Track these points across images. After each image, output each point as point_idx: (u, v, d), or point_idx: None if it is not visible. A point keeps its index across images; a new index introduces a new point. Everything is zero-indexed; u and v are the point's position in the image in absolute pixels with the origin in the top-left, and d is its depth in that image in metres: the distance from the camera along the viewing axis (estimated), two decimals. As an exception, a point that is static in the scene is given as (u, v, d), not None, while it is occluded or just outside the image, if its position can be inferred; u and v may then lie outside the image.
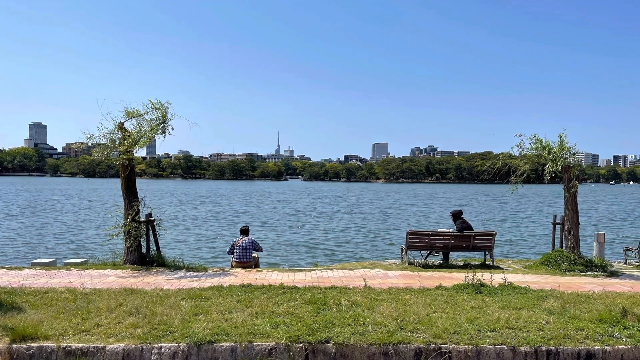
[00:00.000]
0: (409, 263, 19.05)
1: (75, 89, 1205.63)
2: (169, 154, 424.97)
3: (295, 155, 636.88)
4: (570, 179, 17.95)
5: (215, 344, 9.10)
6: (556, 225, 19.50)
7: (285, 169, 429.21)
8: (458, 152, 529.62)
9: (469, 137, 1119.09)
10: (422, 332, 9.82)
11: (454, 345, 9.36)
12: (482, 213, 70.89)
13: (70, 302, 11.57)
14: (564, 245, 18.75)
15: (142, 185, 18.71)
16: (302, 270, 17.05)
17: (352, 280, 15.07)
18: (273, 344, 9.14)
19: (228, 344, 9.13)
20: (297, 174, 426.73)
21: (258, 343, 9.14)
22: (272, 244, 36.57)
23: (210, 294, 12.36)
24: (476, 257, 21.54)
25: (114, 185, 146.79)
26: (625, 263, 20.19)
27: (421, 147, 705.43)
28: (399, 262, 19.60)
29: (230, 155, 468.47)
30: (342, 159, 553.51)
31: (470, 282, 13.76)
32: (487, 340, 9.55)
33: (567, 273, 17.10)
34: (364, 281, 14.34)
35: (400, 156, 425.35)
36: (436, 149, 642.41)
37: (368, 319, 10.31)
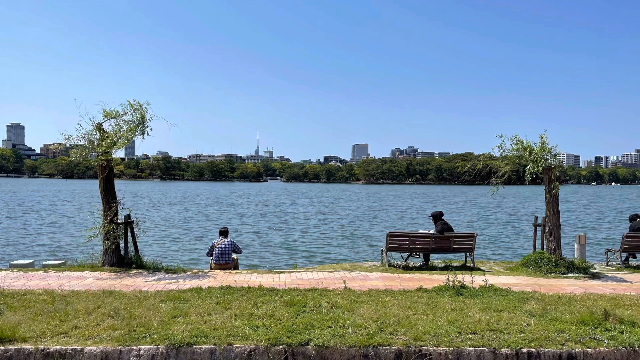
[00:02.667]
0: (389, 265, 19.01)
1: (54, 90, 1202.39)
2: (147, 155, 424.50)
3: (275, 156, 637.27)
4: (551, 180, 17.96)
5: (194, 346, 9.01)
6: (537, 227, 19.51)
7: (265, 170, 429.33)
8: (439, 153, 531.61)
9: (449, 138, 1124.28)
10: (402, 334, 9.77)
11: (434, 348, 9.31)
12: (462, 214, 71.10)
13: (48, 304, 11.44)
14: (545, 246, 18.76)
15: (121, 187, 18.56)
16: (282, 272, 16.96)
17: (332, 282, 15.00)
18: (252, 346, 9.06)
19: (207, 346, 9.04)
20: (276, 175, 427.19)
21: (237, 345, 9.06)
22: (252, 245, 36.48)
23: (189, 296, 12.27)
24: (457, 258, 21.57)
25: (93, 187, 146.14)
26: (607, 265, 20.25)
27: (401, 148, 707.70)
28: (379, 263, 19.56)
29: (209, 156, 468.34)
30: (322, 160, 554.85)
31: (450, 284, 13.72)
32: (468, 343, 9.51)
33: (548, 275, 17.12)
34: (344, 283, 14.29)
35: (381, 157, 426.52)
36: (417, 150, 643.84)
37: (348, 321, 10.25)
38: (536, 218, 19.73)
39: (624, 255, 20.50)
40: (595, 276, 17.19)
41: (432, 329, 10.01)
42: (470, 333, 9.94)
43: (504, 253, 33.86)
